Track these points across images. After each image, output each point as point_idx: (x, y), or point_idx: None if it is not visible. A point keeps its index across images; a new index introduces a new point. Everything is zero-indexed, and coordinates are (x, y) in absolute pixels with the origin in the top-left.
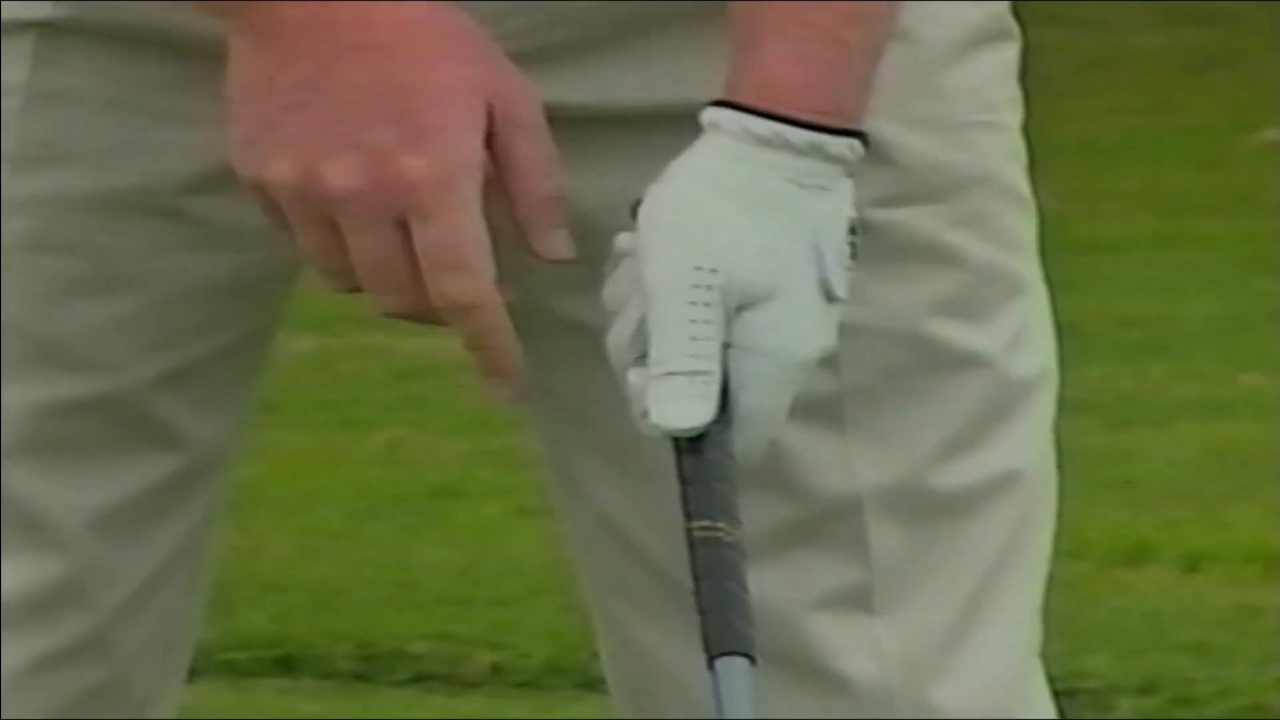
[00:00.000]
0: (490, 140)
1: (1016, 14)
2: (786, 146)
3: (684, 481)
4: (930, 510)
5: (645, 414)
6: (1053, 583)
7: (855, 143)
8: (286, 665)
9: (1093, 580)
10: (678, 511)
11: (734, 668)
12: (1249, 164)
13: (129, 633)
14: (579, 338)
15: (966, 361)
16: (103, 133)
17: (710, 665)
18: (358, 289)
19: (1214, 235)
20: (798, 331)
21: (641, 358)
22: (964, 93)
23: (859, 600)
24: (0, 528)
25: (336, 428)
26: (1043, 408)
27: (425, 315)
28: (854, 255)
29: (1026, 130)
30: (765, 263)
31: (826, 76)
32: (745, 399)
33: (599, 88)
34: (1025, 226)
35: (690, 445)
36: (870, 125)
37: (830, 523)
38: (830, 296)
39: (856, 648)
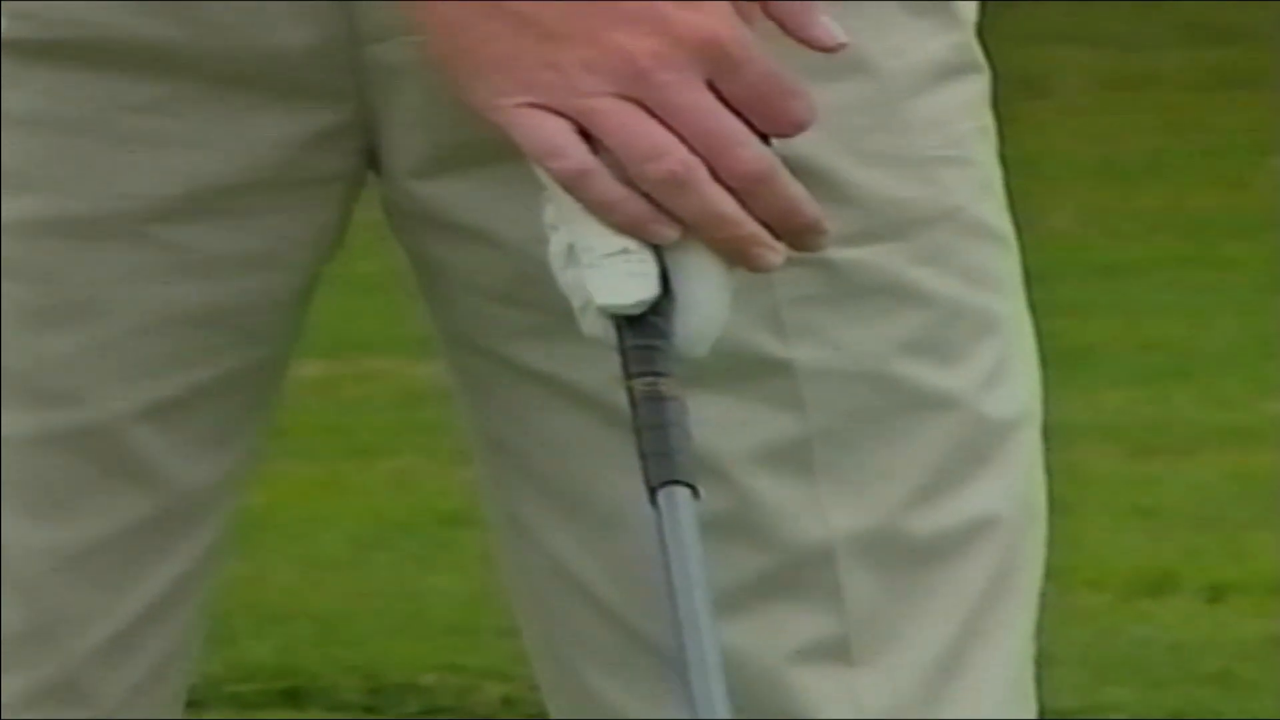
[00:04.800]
0: None
1: (1015, 37)
2: None
3: (624, 350)
4: (905, 557)
5: (585, 308)
6: (1074, 613)
7: None
8: (293, 697)
9: (1115, 610)
10: (638, 562)
11: (676, 497)
12: (1273, 185)
13: (111, 677)
14: (530, 384)
15: (937, 402)
16: (69, 157)
17: (652, 500)
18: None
19: (1238, 257)
20: None
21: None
22: (926, 126)
23: (836, 651)
24: None
25: (342, 454)
26: (1024, 448)
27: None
28: None
29: (1046, 151)
30: None
31: None
32: (680, 282)
33: None
34: (999, 262)
35: (631, 322)
36: (828, 162)
37: (803, 572)
38: None
39: (836, 700)
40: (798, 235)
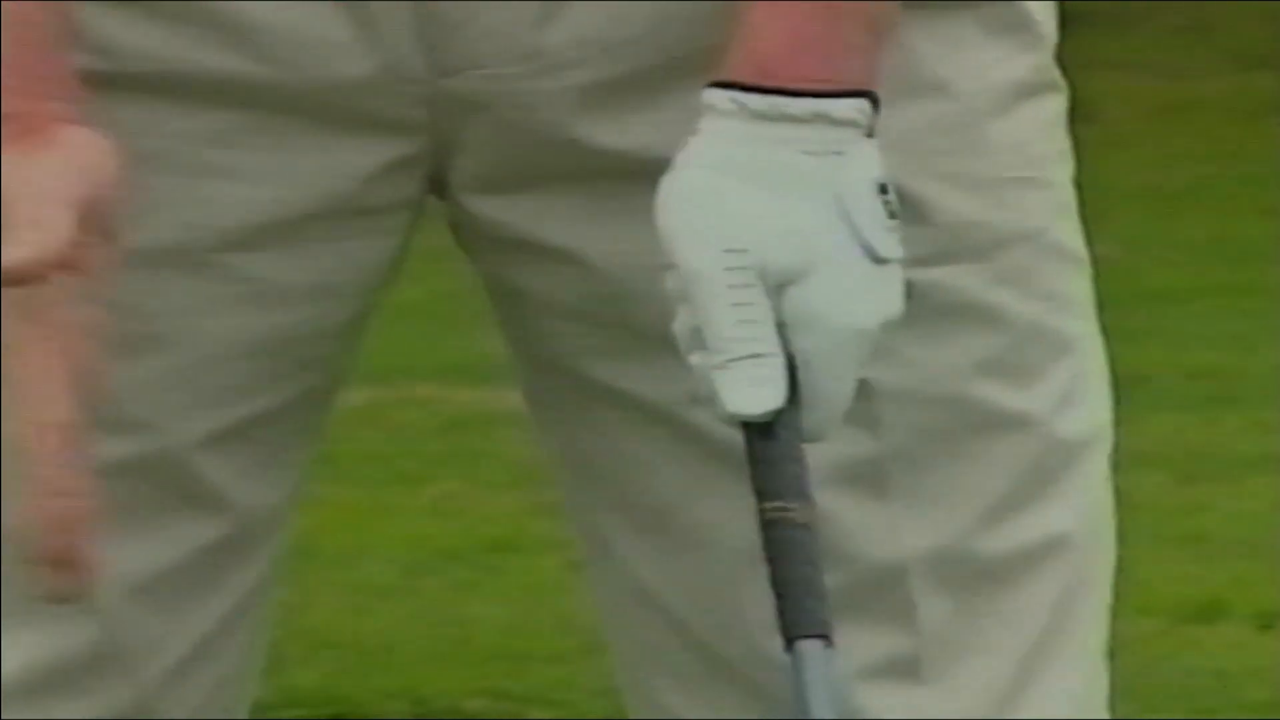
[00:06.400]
0: None
1: (1061, 63)
2: (787, 118)
3: (754, 463)
4: (977, 576)
5: (712, 399)
6: (1121, 641)
7: (862, 103)
8: None
9: (1162, 638)
10: (716, 580)
11: (811, 651)
12: None
13: (178, 701)
14: (610, 403)
15: (1012, 423)
16: (139, 189)
17: (788, 648)
18: None
19: None
20: (848, 301)
21: (703, 346)
22: (1005, 149)
23: (907, 670)
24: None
25: (387, 481)
26: (1094, 468)
27: None
28: (893, 215)
29: (1092, 178)
30: (794, 237)
31: (818, 45)
32: (809, 377)
33: (637, 135)
34: (1074, 283)
35: (760, 428)
36: (908, 182)
37: (876, 591)
38: (878, 259)
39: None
40: None
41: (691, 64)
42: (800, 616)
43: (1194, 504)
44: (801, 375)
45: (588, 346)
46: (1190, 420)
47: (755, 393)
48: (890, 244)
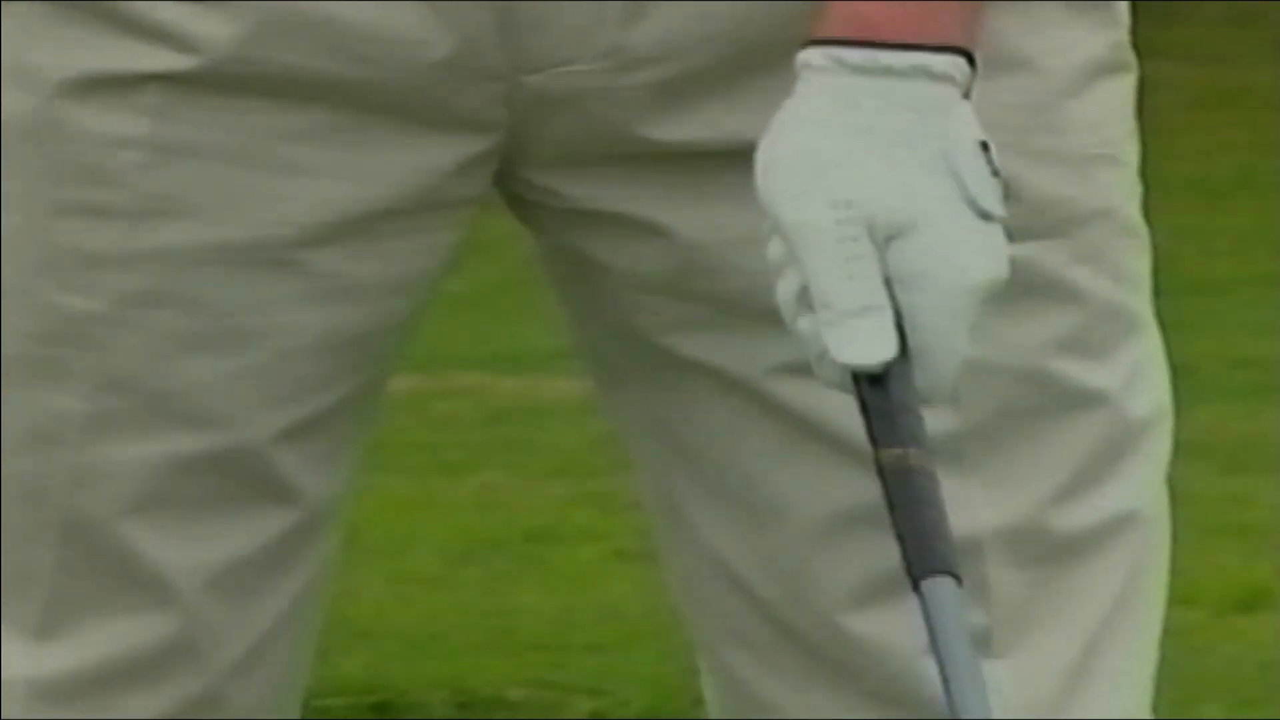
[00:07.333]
0: None
1: (1131, 47)
2: (888, 72)
3: (868, 415)
4: (1049, 552)
5: (821, 357)
6: (1165, 630)
7: (960, 60)
8: (382, 712)
9: (1206, 628)
10: (792, 553)
11: (940, 587)
12: None
13: (243, 690)
14: (694, 376)
15: (1086, 400)
16: (223, 185)
17: (916, 588)
18: None
19: None
20: (956, 256)
21: (810, 308)
22: (1085, 126)
23: (978, 644)
24: (117, 586)
25: (431, 471)
26: (1158, 448)
27: None
28: (995, 172)
29: (1139, 166)
30: (900, 190)
31: (915, 5)
32: (918, 334)
33: (716, 125)
34: (1142, 263)
35: (873, 379)
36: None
37: None
38: (984, 214)
39: None
40: None
41: (775, 52)
42: (926, 555)
43: (1238, 495)
44: (910, 331)
45: (671, 319)
46: (1235, 410)
47: (868, 344)
48: (995, 201)
